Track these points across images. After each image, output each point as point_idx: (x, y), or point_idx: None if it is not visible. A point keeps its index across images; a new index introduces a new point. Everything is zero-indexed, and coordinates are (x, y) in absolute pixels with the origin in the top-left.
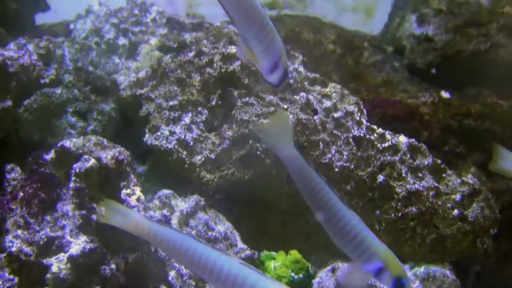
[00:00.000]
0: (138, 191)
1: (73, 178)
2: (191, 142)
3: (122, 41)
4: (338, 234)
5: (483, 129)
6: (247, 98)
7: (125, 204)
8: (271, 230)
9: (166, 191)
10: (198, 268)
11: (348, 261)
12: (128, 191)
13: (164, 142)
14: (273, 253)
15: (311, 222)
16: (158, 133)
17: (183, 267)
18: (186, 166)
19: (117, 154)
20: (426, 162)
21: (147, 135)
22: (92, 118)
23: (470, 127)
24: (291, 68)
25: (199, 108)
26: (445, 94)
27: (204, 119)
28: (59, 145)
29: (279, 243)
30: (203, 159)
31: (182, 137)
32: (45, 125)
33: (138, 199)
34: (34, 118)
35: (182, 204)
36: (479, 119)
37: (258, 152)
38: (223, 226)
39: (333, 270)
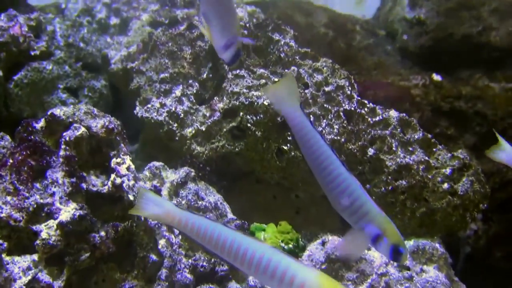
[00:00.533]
0: (128, 160)
1: (63, 146)
2: (182, 114)
3: (114, 21)
4: (338, 198)
5: (474, 111)
6: (238, 71)
7: (115, 172)
8: (262, 204)
9: (156, 163)
10: (230, 255)
11: (338, 234)
12: (118, 160)
13: (155, 114)
14: (264, 225)
15: (301, 196)
16: (149, 105)
17: (172, 236)
18: (177, 138)
19: (107, 123)
20: (416, 136)
21: (137, 108)
22: (83, 94)
23: (461, 109)
24: (282, 43)
25: (190, 81)
26: (436, 77)
27: (195, 91)
28: (49, 113)
29: (269, 216)
30: (193, 131)
31: (173, 109)
32: (35, 101)
33: (128, 168)
34: (24, 93)
35: (172, 176)
36: (470, 101)
37: (249, 125)
38: (213, 197)
39: (323, 243)
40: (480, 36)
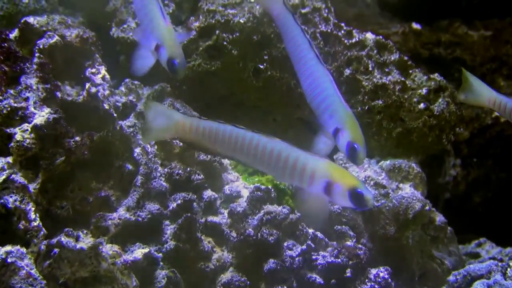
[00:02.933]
0: (103, 70)
1: (37, 54)
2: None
3: None
4: (310, 89)
5: (453, 57)
6: None
7: (90, 82)
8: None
9: (133, 81)
10: (245, 153)
11: None
12: (93, 70)
13: (131, 33)
14: None
15: (279, 120)
16: (125, 25)
17: (148, 145)
18: None
19: (81, 32)
20: (392, 58)
21: (113, 29)
22: None
23: (440, 55)
24: None
25: (166, 1)
26: (415, 25)
27: (171, 11)
28: (22, 20)
29: None
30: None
31: None
32: None
33: (103, 78)
34: (0, 26)
35: (148, 92)
36: (449, 48)
37: (225, 43)
38: (190, 112)
39: None
40: None
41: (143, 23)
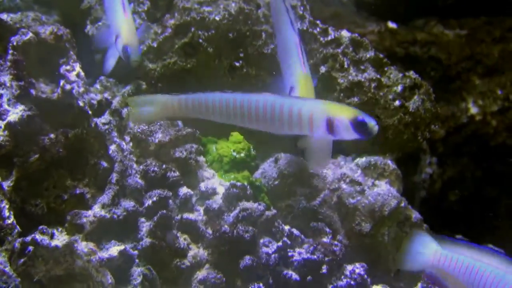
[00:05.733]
0: (78, 67)
1: (10, 51)
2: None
3: None
4: (281, 49)
5: (429, 56)
6: None
7: (64, 79)
8: (214, 125)
9: (108, 78)
10: (236, 114)
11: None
12: (68, 67)
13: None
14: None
15: None
16: (100, 23)
17: (123, 142)
18: None
19: (55, 29)
20: (368, 55)
21: (88, 26)
22: None
23: (416, 54)
24: None
25: None
26: (391, 25)
27: (146, 9)
28: None
29: (222, 137)
30: (145, 48)
31: None
32: None
33: (78, 75)
34: None
35: (123, 90)
36: (425, 47)
37: (201, 40)
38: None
39: (276, 160)
40: None
41: (108, 18)
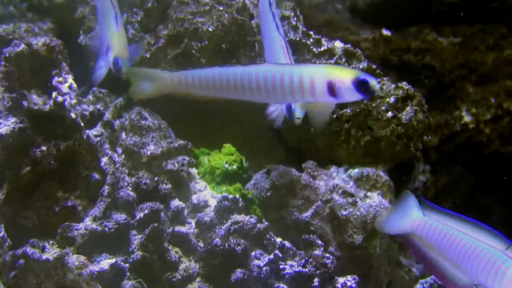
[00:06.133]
0: (70, 78)
1: (2, 62)
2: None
3: None
4: (267, 52)
5: (423, 64)
6: None
7: (56, 91)
8: (208, 135)
9: (101, 89)
10: (237, 87)
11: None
12: (60, 78)
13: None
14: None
15: (247, 128)
16: (93, 33)
17: (115, 154)
18: None
19: (48, 41)
20: (361, 66)
21: (81, 36)
22: None
23: (410, 62)
24: None
25: (135, 9)
26: (386, 32)
27: (139, 19)
28: None
29: (215, 147)
30: (138, 58)
31: None
32: None
33: (70, 87)
34: None
35: (116, 101)
36: (419, 54)
37: (194, 51)
38: (157, 121)
39: (268, 172)
40: None
41: (101, 30)
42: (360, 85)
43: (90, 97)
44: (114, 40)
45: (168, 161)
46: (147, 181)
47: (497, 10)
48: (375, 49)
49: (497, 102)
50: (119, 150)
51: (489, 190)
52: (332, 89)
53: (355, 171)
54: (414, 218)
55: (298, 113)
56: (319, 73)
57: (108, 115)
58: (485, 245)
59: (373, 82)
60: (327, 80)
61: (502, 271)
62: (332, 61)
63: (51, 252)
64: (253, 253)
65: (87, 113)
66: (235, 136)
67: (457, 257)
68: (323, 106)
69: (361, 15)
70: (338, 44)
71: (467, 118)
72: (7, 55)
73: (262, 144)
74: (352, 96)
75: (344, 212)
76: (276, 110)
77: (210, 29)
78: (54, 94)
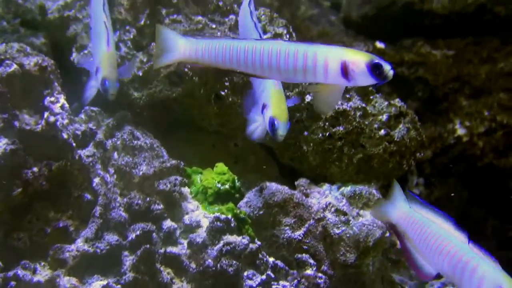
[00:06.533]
0: (62, 98)
1: None
2: (118, 59)
3: None
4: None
5: (416, 77)
6: (175, 15)
7: (48, 111)
8: (200, 153)
9: (93, 107)
10: (247, 62)
11: (276, 182)
12: (52, 98)
13: (91, 59)
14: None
15: (240, 145)
16: (85, 51)
17: (107, 175)
18: None
19: (40, 61)
20: None
21: (74, 54)
22: None
23: (403, 75)
24: None
25: (127, 27)
26: (380, 44)
27: (132, 37)
28: None
29: (207, 165)
30: (130, 76)
31: None
32: None
33: (62, 107)
34: None
35: (108, 120)
36: (412, 67)
37: (186, 69)
38: (150, 140)
39: (261, 190)
40: (422, 4)
41: (93, 48)
42: (374, 69)
43: (82, 116)
44: (103, 62)
45: (160, 181)
46: (139, 201)
47: (489, 23)
48: None
49: (491, 115)
50: (111, 170)
51: (482, 203)
52: (345, 71)
53: (347, 189)
54: (400, 210)
55: (281, 131)
56: (334, 54)
57: (100, 135)
58: (455, 240)
59: (387, 67)
60: (341, 61)
61: (471, 267)
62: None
63: (43, 274)
64: (245, 273)
65: (79, 132)
66: (227, 153)
67: (428, 252)
68: (333, 89)
69: (355, 27)
70: None
71: (460, 131)
72: None
73: (254, 162)
74: (365, 79)
75: (337, 231)
76: (258, 127)
77: None
78: (46, 114)
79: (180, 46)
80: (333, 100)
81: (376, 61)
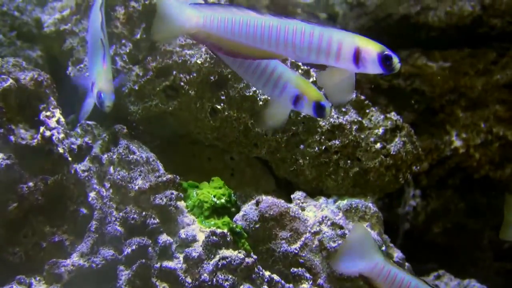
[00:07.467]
0: (58, 113)
1: None
2: (115, 73)
3: None
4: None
5: (412, 88)
6: None
7: (44, 125)
8: (196, 166)
9: (88, 121)
10: (263, 37)
11: (272, 195)
12: (48, 113)
13: (87, 73)
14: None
15: (236, 158)
16: (81, 65)
17: (103, 189)
18: None
19: (36, 75)
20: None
21: (70, 68)
22: None
23: (399, 86)
24: None
25: (123, 41)
26: None
27: (128, 51)
28: None
29: (204, 178)
30: (126, 90)
31: None
32: None
33: (58, 121)
34: None
35: (104, 134)
36: (409, 79)
37: (182, 83)
38: (145, 154)
39: (257, 203)
40: (419, 16)
41: (89, 64)
42: (384, 59)
43: (78, 130)
44: (98, 77)
45: (156, 195)
46: (135, 216)
47: (486, 35)
48: (365, 73)
49: (487, 127)
50: (107, 184)
51: (479, 215)
52: (357, 57)
53: (344, 203)
54: (375, 261)
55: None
56: (349, 39)
57: (96, 149)
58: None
59: (396, 60)
60: (355, 47)
61: None
62: (322, 92)
63: None
64: None
65: (75, 146)
66: (224, 166)
67: None
68: (342, 74)
69: None
70: None
71: (457, 143)
72: None
73: (250, 175)
74: (374, 68)
75: (333, 245)
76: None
77: (199, 62)
78: (41, 129)
79: (188, 17)
80: (347, 87)
81: (388, 52)
